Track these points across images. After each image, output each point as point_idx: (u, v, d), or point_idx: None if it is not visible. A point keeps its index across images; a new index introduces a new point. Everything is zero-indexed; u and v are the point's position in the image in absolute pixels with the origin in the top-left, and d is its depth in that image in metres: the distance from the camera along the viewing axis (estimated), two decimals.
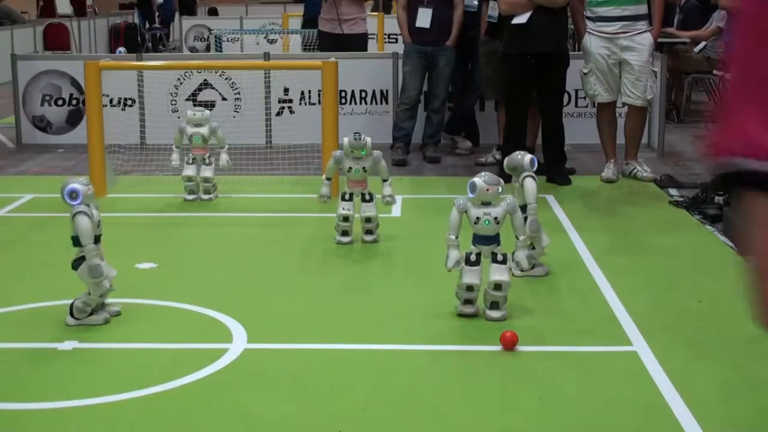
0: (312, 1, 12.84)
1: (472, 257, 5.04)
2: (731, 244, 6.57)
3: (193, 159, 7.79)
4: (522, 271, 5.37)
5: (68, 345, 4.82)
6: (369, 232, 6.58)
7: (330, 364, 4.66)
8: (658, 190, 8.22)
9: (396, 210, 7.54)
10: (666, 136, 9.92)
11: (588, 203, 7.93)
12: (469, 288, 5.06)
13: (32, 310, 5.37)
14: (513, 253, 5.32)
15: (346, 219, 6.47)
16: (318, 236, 6.78)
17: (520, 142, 8.29)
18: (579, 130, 9.77)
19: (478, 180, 5.03)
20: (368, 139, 6.47)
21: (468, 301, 5.12)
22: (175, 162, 7.90)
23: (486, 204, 5.03)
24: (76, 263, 4.95)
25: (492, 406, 4.19)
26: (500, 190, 5.04)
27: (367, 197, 6.51)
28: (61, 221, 7.30)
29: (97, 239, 5.00)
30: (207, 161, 7.79)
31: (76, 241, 4.93)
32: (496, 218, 5.02)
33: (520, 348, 4.76)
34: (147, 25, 22.30)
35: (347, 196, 6.49)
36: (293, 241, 6.74)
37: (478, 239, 5.08)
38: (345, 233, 6.52)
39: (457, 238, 5.06)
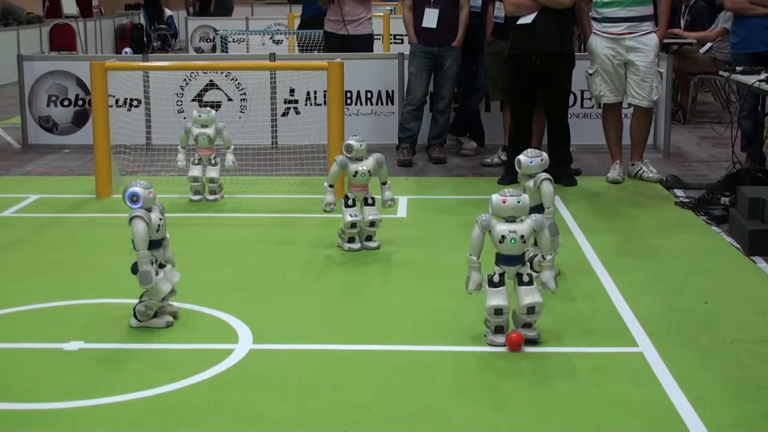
0: (309, 2, 12.83)
1: (495, 278, 4.73)
2: (737, 245, 6.57)
3: (198, 159, 7.81)
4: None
5: (74, 345, 4.83)
6: (370, 238, 6.53)
7: (335, 364, 4.66)
8: (664, 191, 8.21)
9: (401, 210, 7.54)
10: (672, 136, 9.92)
11: (593, 204, 7.93)
12: (498, 311, 4.73)
13: (38, 311, 5.38)
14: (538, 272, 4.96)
15: (353, 225, 6.42)
16: (324, 237, 6.78)
17: (525, 142, 8.29)
18: (584, 131, 9.77)
19: (495, 196, 4.70)
20: (364, 142, 6.44)
21: (499, 329, 4.80)
22: (180, 162, 7.91)
23: (511, 221, 4.70)
24: (135, 267, 4.93)
25: (497, 407, 4.19)
26: (519, 202, 4.68)
27: (370, 201, 6.47)
28: (66, 222, 7.34)
29: (159, 243, 5.01)
30: (213, 162, 7.80)
31: (134, 245, 4.91)
32: (522, 236, 4.68)
33: (526, 349, 4.76)
34: (153, 26, 22.28)
35: (350, 202, 6.42)
36: (299, 242, 6.74)
37: (503, 259, 4.73)
38: (352, 239, 6.49)
39: (478, 259, 4.74)
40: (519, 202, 4.71)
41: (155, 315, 5.08)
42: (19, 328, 5.15)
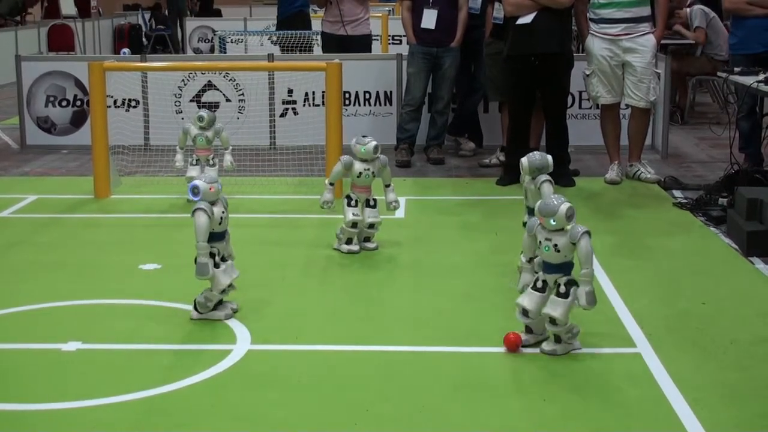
0: (285, 2, 12.83)
1: (539, 283, 4.71)
2: (735, 246, 6.57)
3: (197, 160, 7.80)
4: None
5: (72, 346, 4.83)
6: (368, 239, 6.53)
7: (334, 365, 4.66)
8: (662, 192, 8.21)
9: (400, 211, 7.53)
10: (670, 137, 9.92)
11: (592, 205, 7.92)
12: (524, 312, 4.73)
13: (36, 311, 5.38)
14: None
15: (354, 225, 6.40)
16: (322, 238, 6.78)
17: (523, 143, 8.29)
18: (583, 131, 9.76)
19: (538, 203, 4.68)
20: (374, 141, 6.44)
21: (528, 330, 4.79)
22: (179, 163, 7.90)
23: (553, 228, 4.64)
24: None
25: (496, 408, 4.19)
26: (554, 223, 4.58)
27: (372, 203, 6.46)
28: (64, 222, 7.34)
29: (221, 236, 5.05)
30: (211, 162, 7.79)
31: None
32: (556, 245, 4.60)
33: (524, 350, 4.76)
34: (152, 27, 22.26)
35: (353, 202, 6.42)
36: (297, 243, 6.74)
37: (543, 265, 4.72)
38: (350, 240, 6.47)
39: (529, 261, 4.83)
40: (554, 223, 4.61)
41: (215, 308, 5.13)
42: (17, 328, 5.15)
